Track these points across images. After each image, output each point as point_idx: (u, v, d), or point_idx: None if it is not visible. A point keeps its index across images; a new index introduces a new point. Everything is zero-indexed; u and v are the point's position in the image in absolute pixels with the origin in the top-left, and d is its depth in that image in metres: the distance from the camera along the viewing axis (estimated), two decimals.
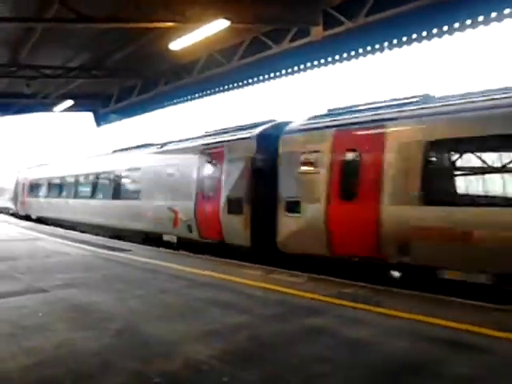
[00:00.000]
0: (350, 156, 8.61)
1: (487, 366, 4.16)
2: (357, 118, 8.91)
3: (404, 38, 9.98)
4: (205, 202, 11.70)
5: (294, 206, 9.33)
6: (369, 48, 10.74)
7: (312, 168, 9.14)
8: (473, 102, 7.40)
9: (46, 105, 19.73)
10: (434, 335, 4.96)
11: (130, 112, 20.50)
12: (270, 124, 11.25)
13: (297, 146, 9.58)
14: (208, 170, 11.84)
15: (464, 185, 7.43)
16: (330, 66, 11.82)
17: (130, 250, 11.82)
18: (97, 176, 18.44)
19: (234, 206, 10.71)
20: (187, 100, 17.44)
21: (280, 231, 9.67)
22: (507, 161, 6.90)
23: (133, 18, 10.36)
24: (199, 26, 10.02)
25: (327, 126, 9.26)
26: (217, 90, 15.97)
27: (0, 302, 6.45)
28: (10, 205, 29.94)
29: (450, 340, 4.80)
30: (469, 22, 8.92)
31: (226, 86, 15.53)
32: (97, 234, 16.74)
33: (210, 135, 12.97)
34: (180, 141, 14.38)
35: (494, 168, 7.11)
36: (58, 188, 22.48)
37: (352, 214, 8.30)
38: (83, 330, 5.23)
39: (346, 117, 9.22)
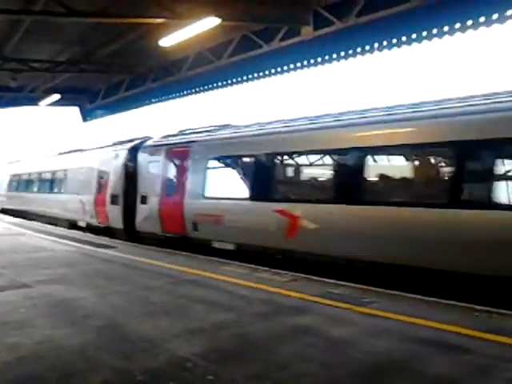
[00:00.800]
0: (171, 166, 12.90)
1: (468, 366, 4.18)
2: (181, 139, 13.08)
3: (394, 40, 9.99)
4: (99, 196, 15.66)
5: (144, 199, 13.41)
6: (359, 49, 10.74)
7: (153, 173, 13.36)
8: (239, 131, 11.68)
9: (32, 99, 19.55)
10: (418, 335, 4.97)
11: (117, 108, 20.36)
12: (140, 140, 15.03)
13: (146, 157, 13.88)
14: (102, 172, 15.85)
15: (223, 185, 11.42)
16: (320, 66, 11.81)
17: (114, 247, 11.73)
18: (41, 174, 22.27)
19: (114, 199, 14.77)
20: (176, 97, 17.31)
21: (137, 217, 13.74)
22: (244, 173, 11.09)
23: (122, 13, 10.27)
24: (189, 22, 9.96)
25: (163, 144, 13.44)
26: (206, 87, 15.89)
27: None
28: None
29: (433, 340, 4.81)
30: (458, 25, 8.98)
31: (215, 84, 15.46)
32: (48, 223, 18.87)
33: (112, 145, 16.65)
34: (92, 149, 18.39)
35: (239, 174, 11.34)
36: (16, 183, 25.73)
37: (172, 204, 12.28)
38: (66, 326, 5.17)
39: (176, 138, 13.44)
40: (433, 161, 8.36)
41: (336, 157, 8.97)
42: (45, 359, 4.17)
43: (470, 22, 8.93)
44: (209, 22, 9.79)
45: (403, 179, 8.31)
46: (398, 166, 8.75)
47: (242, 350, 4.54)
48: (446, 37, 9.18)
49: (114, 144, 16.47)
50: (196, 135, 12.74)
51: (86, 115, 21.97)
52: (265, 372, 4.01)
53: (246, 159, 11.13)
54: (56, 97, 18.32)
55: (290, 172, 10.61)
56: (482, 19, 8.76)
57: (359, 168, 8.24)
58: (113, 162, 15.08)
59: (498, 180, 6.77)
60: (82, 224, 16.91)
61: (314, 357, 4.35)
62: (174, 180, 12.60)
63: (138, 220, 13.61)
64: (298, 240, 8.97)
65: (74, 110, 22.41)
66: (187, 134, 13.40)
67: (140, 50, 13.83)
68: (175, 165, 12.74)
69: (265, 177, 10.06)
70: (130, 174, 14.18)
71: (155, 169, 13.22)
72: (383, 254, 7.69)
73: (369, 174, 8.34)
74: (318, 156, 9.65)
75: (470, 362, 4.27)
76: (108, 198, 14.96)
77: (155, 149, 13.58)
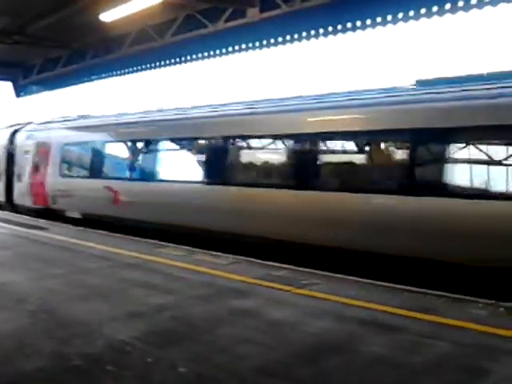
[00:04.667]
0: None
1: (401, 344, 4.34)
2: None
3: (339, 26, 10.07)
4: None
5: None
6: (304, 33, 10.75)
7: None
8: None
9: None
10: (354, 316, 5.10)
11: (53, 84, 19.46)
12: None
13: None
14: None
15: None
16: (265, 49, 11.77)
17: (46, 228, 11.28)
18: None
19: None
20: (117, 74, 16.77)
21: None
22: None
23: None
24: None
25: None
26: (149, 66, 15.49)
27: None
28: None
29: (368, 320, 4.96)
30: (400, 15, 9.17)
31: (158, 63, 15.09)
32: None
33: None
34: None
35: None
36: None
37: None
38: None
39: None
40: None
41: None
42: None
43: (411, 13, 9.15)
44: None
45: None
46: None
47: (182, 332, 4.50)
48: (389, 25, 9.37)
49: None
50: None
51: (20, 91, 20.90)
52: (205, 354, 3.99)
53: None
54: None
55: None
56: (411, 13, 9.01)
57: None
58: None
59: None
60: None
61: (254, 339, 4.37)
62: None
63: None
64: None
65: (7, 85, 21.32)
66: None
67: (79, 25, 13.22)
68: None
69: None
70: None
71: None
72: None
73: None
74: None
75: (402, 340, 4.43)
76: None
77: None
